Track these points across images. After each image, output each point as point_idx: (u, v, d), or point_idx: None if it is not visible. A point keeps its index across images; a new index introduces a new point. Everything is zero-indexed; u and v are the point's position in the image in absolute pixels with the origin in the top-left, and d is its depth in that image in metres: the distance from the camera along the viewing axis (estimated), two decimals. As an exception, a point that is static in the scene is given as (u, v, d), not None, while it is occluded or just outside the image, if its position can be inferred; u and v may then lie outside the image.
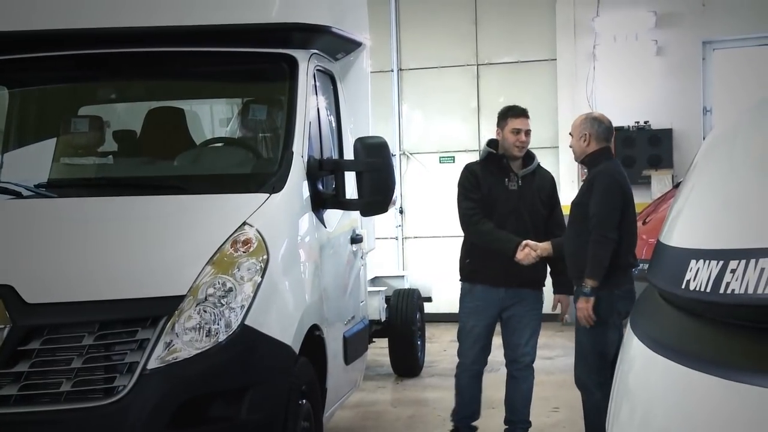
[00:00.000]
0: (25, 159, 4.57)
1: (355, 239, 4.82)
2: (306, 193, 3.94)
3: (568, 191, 9.57)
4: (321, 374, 3.92)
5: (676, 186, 7.90)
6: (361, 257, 5.08)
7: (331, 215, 4.25)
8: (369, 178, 3.93)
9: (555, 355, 7.83)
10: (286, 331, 3.46)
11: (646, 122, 8.81)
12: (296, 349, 3.48)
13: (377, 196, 3.98)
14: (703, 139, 9.14)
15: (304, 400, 3.58)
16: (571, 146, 4.72)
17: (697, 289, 1.30)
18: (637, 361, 1.53)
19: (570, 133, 4.72)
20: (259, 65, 4.35)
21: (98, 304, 3.17)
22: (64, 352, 3.09)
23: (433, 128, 9.96)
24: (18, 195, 3.86)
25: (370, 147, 3.97)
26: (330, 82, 4.72)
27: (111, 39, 4.17)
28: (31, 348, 3.07)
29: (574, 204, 4.56)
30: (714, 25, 8.94)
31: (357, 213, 4.60)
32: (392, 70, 9.95)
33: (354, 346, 4.60)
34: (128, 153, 4.54)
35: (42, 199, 3.88)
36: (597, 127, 4.57)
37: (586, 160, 4.64)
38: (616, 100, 8.94)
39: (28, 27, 4.15)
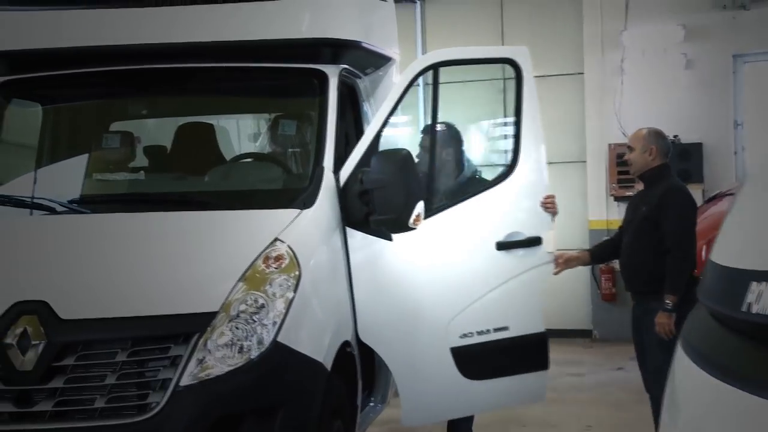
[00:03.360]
0: (59, 175, 4.59)
1: (506, 244, 4.29)
2: (337, 208, 3.91)
3: (595, 206, 9.51)
4: (352, 392, 3.89)
5: (708, 201, 7.80)
6: (537, 262, 4.38)
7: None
8: (379, 195, 3.77)
9: (585, 372, 7.74)
10: (318, 348, 3.43)
11: (675, 136, 8.72)
12: (328, 366, 3.45)
13: (388, 213, 3.78)
14: (734, 153, 9.04)
15: (335, 418, 3.55)
16: (629, 160, 4.79)
17: (762, 312, 1.25)
18: (689, 381, 1.49)
19: (629, 147, 4.79)
20: (289, 80, 4.34)
21: (131, 320, 3.16)
22: (98, 368, 3.08)
23: (459, 143, 9.93)
24: (52, 211, 3.88)
25: (384, 161, 3.85)
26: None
27: (142, 55, 4.19)
28: (66, 364, 3.07)
29: (642, 218, 4.65)
30: (744, 38, 8.86)
31: (520, 215, 4.35)
32: (418, 85, 9.93)
33: (482, 360, 4.26)
34: (159, 168, 4.56)
35: (75, 215, 3.89)
36: (662, 142, 4.72)
37: (646, 175, 4.73)
38: (645, 114, 8.85)
39: (61, 44, 4.18)
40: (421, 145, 4.85)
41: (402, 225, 3.86)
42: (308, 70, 4.21)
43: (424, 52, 9.97)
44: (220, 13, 4.16)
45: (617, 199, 9.25)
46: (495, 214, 4.34)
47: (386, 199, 3.77)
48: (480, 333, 4.25)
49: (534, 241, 4.34)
